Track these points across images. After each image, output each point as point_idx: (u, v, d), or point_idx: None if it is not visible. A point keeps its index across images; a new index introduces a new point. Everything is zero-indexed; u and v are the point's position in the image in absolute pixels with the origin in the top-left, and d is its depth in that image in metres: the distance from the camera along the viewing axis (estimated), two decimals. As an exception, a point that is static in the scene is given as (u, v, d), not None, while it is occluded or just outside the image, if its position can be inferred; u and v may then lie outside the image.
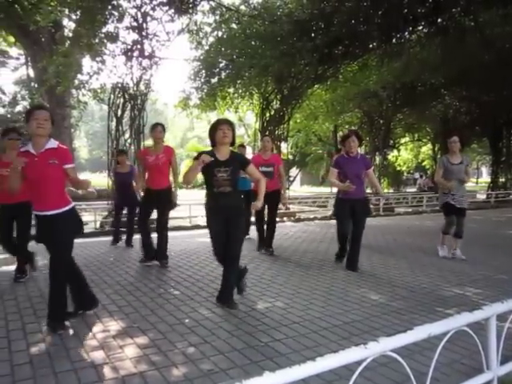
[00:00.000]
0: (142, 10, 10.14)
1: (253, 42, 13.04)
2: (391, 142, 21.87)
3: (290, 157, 28.01)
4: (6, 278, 5.04)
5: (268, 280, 4.95)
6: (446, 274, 5.28)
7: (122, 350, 2.99)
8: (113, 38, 10.15)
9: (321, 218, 12.27)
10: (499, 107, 17.70)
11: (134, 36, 10.25)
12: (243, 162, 4.03)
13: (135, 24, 10.15)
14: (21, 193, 3.54)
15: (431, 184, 24.28)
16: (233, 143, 4.01)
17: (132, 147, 10.32)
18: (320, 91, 17.11)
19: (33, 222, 4.22)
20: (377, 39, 12.83)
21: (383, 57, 13.75)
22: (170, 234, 7.66)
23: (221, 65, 13.87)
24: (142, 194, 6.27)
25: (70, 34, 13.35)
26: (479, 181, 44.17)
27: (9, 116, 32.65)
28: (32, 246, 4.69)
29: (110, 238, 7.56)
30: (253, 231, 7.65)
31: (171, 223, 8.01)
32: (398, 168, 30.87)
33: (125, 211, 7.47)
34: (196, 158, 3.85)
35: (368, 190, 14.99)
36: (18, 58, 22.10)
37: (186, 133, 49.50)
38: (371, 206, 8.18)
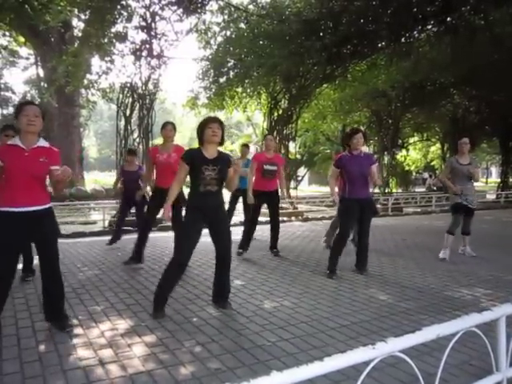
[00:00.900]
0: (151, 10, 10.18)
1: (261, 42, 13.04)
2: (400, 141, 21.74)
3: (298, 156, 27.96)
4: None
5: (276, 279, 4.95)
6: (455, 274, 5.25)
7: (130, 348, 3.00)
8: (122, 37, 10.21)
9: (329, 217, 12.23)
10: (509, 106, 17.53)
11: (143, 36, 10.30)
12: (227, 164, 3.84)
13: (144, 24, 10.19)
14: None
15: (440, 184, 24.11)
16: (221, 143, 3.87)
17: (140, 146, 10.37)
18: (328, 90, 17.05)
19: None
20: (386, 38, 12.77)
21: (392, 56, 13.67)
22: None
23: (229, 64, 13.88)
24: (149, 193, 6.26)
25: (80, 34, 13.43)
26: (489, 181, 43.80)
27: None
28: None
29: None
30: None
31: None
32: (407, 168, 30.68)
33: (131, 210, 7.50)
34: (182, 158, 3.79)
35: (376, 190, 14.98)
36: (27, 58, 22.33)
37: (194, 132, 49.57)
38: (379, 206, 8.15)
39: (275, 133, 13.61)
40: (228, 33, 13.64)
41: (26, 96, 33.27)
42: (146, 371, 2.65)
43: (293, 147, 17.46)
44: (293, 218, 11.70)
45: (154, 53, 10.38)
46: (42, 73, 19.52)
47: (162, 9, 10.31)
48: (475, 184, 6.48)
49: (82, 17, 11.46)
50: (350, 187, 5.20)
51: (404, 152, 27.37)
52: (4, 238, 3.08)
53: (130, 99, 10.48)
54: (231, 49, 13.42)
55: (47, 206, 3.26)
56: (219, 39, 14.04)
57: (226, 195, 5.59)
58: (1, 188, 3.10)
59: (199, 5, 11.31)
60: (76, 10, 10.72)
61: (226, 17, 13.23)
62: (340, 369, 1.47)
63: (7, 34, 18.14)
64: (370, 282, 4.85)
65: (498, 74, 14.13)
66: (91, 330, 3.36)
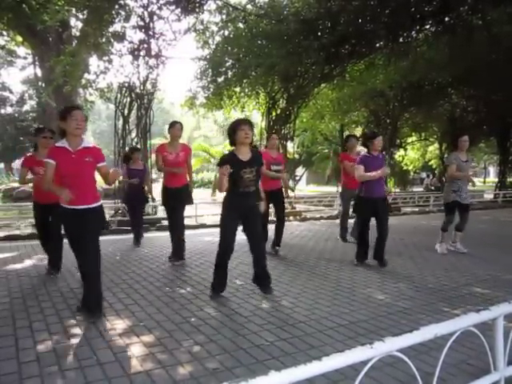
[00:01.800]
0: (149, 10, 10.17)
1: (259, 41, 13.02)
2: (398, 141, 21.73)
3: (296, 156, 27.96)
4: (10, 275, 5.07)
5: (274, 279, 4.94)
6: (453, 273, 5.26)
7: (128, 348, 3.00)
8: (120, 37, 10.20)
9: (327, 217, 12.24)
10: (507, 106, 17.55)
11: (141, 35, 10.29)
12: (261, 163, 4.17)
13: (142, 23, 10.18)
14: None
15: (438, 183, 24.13)
16: (251, 143, 4.14)
17: (138, 146, 10.36)
18: (326, 90, 17.05)
19: None
20: (384, 38, 12.77)
21: (390, 56, 13.68)
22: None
23: (227, 64, 13.86)
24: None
25: (78, 34, 13.40)
26: (486, 180, 43.85)
27: (16, 115, 32.93)
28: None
29: (116, 237, 7.58)
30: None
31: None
32: (405, 167, 30.70)
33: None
34: (219, 165, 3.94)
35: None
36: (25, 58, 22.25)
37: (193, 132, 49.70)
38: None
39: (274, 132, 13.59)
40: (226, 32, 13.62)
41: (23, 96, 33.26)
42: (144, 371, 2.65)
43: (291, 147, 17.47)
44: (291, 218, 11.70)
45: (152, 52, 10.37)
46: (39, 72, 19.42)
47: (160, 8, 10.30)
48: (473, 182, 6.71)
49: (80, 16, 11.44)
50: (368, 186, 5.42)
51: (402, 152, 27.39)
52: (69, 230, 3.52)
53: (128, 99, 10.47)
54: (229, 48, 13.40)
55: (96, 204, 3.54)
56: (217, 39, 14.03)
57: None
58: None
59: (197, 4, 11.30)
60: (74, 10, 10.71)
61: (224, 16, 13.21)
62: (338, 368, 1.47)
63: (5, 33, 18.06)
64: (369, 282, 4.85)
65: (495, 74, 14.14)
66: (89, 329, 3.35)
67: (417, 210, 15.16)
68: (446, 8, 11.47)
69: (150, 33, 10.25)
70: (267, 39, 12.58)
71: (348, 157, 7.32)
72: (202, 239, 7.77)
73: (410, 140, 27.55)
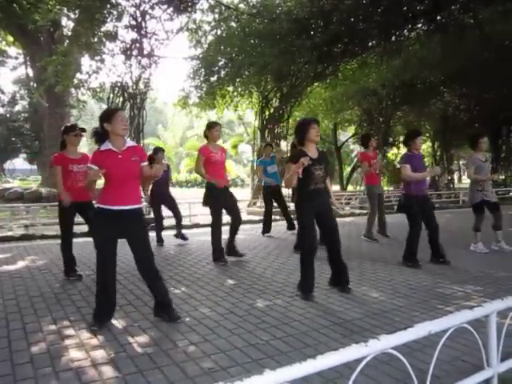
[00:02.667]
0: (141, 9, 10.15)
1: (252, 41, 13.03)
2: (391, 139, 21.83)
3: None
4: (3, 277, 5.04)
5: (268, 278, 4.95)
6: (447, 271, 5.29)
7: (122, 348, 2.99)
8: (112, 36, 10.17)
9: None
10: (499, 104, 17.68)
11: (133, 35, 10.29)
12: (328, 161, 4.31)
13: (134, 23, 10.16)
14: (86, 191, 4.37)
15: (430, 182, 24.13)
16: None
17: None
18: (319, 89, 17.10)
19: None
20: (376, 37, 12.83)
21: (382, 55, 13.74)
22: (168, 232, 7.70)
23: (220, 63, 13.86)
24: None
25: (69, 33, 13.35)
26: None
27: (8, 116, 32.73)
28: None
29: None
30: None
31: (170, 222, 8.00)
32: (398, 166, 30.85)
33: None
34: (292, 161, 4.01)
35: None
36: (16, 58, 22.09)
37: (186, 131, 49.55)
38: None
39: (266, 132, 13.62)
40: (219, 32, 13.62)
41: (15, 96, 33.04)
42: (139, 372, 2.64)
43: (284, 146, 17.48)
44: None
45: (145, 52, 10.36)
46: (31, 72, 19.31)
47: (152, 8, 10.29)
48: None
49: (72, 16, 11.41)
50: (415, 184, 5.55)
51: (395, 150, 27.49)
52: (105, 231, 3.38)
53: (121, 98, 10.44)
54: (222, 48, 13.40)
55: (140, 205, 3.54)
56: (210, 38, 14.02)
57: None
58: (103, 189, 3.47)
59: (190, 3, 11.30)
60: (65, 9, 10.66)
61: (216, 16, 13.21)
62: (333, 366, 1.47)
63: (-4, 33, 17.95)
64: (363, 280, 4.86)
65: (487, 73, 14.25)
66: (83, 330, 3.34)
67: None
68: (437, 7, 11.54)
69: (143, 32, 10.24)
70: (260, 38, 12.59)
71: (367, 156, 7.65)
72: (196, 239, 7.76)
73: (402, 138, 27.65)
